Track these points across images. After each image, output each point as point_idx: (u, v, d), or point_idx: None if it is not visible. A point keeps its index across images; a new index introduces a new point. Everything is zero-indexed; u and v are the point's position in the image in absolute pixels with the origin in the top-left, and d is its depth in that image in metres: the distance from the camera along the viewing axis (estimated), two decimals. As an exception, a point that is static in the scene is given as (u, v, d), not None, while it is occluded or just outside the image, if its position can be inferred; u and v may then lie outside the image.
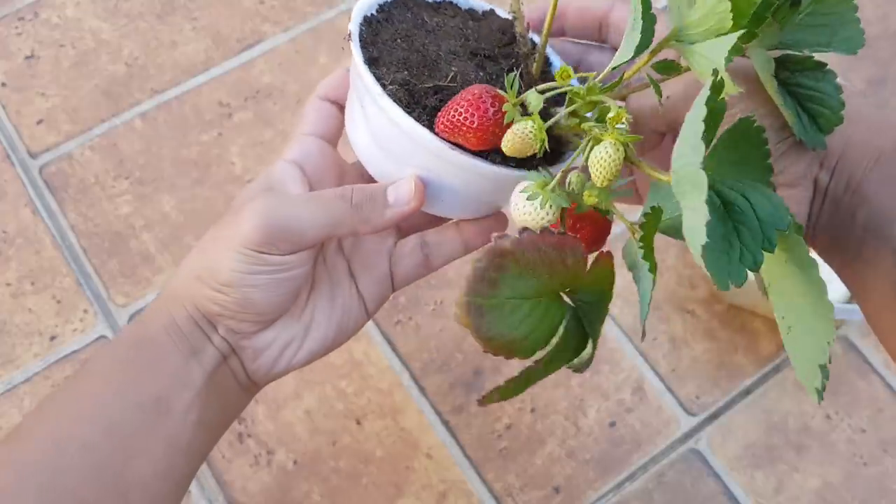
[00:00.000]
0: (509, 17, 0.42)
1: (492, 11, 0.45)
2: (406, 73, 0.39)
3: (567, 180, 0.35)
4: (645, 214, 0.33)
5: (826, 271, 0.64)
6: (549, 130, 0.36)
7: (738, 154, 0.32)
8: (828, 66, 0.39)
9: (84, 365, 0.41)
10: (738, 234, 0.32)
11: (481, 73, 0.40)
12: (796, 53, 0.37)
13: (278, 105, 0.78)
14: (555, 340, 0.36)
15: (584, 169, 0.34)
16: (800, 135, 0.35)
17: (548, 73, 0.43)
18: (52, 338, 0.68)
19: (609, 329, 0.70)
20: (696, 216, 0.29)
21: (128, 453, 0.38)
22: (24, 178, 0.74)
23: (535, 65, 0.40)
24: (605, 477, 0.65)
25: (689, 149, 0.29)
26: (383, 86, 0.38)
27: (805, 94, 0.37)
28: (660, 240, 0.68)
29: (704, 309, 0.71)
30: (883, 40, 0.83)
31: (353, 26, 0.40)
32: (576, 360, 0.38)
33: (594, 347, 0.37)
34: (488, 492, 0.64)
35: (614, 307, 0.70)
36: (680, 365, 0.69)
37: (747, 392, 0.68)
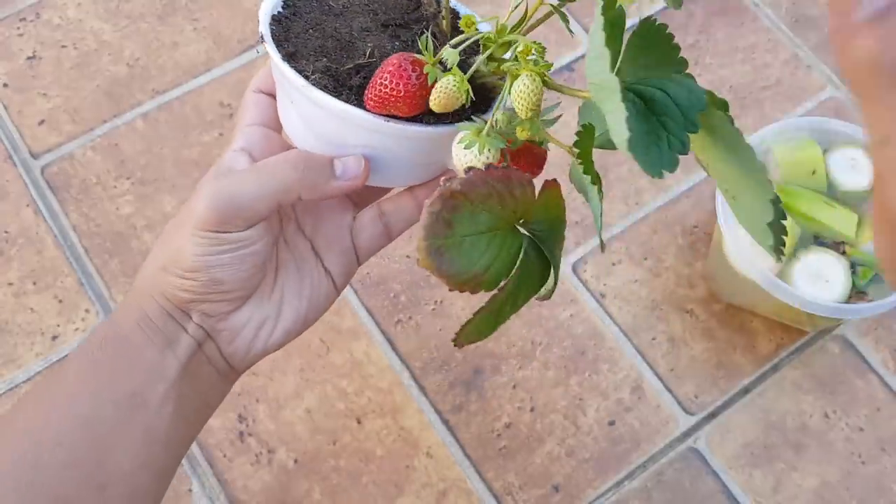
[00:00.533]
0: None
1: None
2: (325, 59, 0.40)
3: (494, 120, 0.35)
4: (577, 133, 0.34)
5: (827, 268, 0.64)
6: (473, 80, 0.36)
7: (650, 55, 0.34)
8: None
9: (59, 365, 0.40)
10: (662, 125, 0.33)
11: (397, 43, 0.41)
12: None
13: (279, 106, 0.78)
14: (515, 269, 0.37)
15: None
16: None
17: (459, 27, 0.42)
18: (54, 337, 0.68)
19: (608, 328, 0.70)
20: (616, 117, 0.30)
21: (104, 448, 0.38)
22: (25, 178, 0.74)
23: (444, 21, 0.41)
24: (605, 476, 0.65)
25: (596, 59, 0.31)
26: (306, 77, 0.39)
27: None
28: (659, 240, 0.69)
29: (703, 308, 0.71)
30: (881, 41, 0.83)
31: (263, 28, 0.41)
32: (542, 290, 0.39)
33: (556, 275, 0.38)
34: (488, 490, 0.64)
35: (612, 307, 0.71)
36: (678, 364, 0.69)
37: (746, 391, 0.68)
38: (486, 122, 0.36)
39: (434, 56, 0.36)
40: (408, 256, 0.72)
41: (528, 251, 0.37)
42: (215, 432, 0.65)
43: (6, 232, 0.72)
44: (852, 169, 0.67)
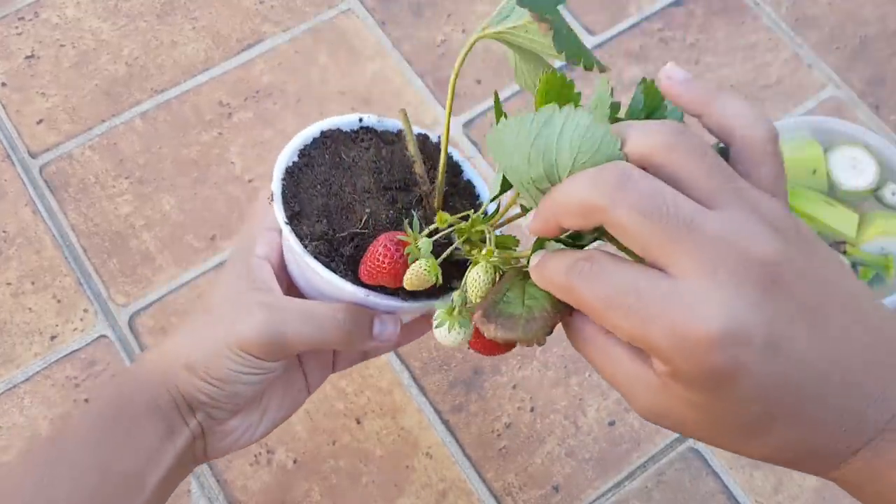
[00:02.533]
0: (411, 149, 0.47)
1: (400, 131, 0.49)
2: (325, 221, 0.44)
3: (463, 301, 0.38)
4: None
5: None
6: (452, 258, 0.40)
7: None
8: None
9: (66, 423, 0.43)
10: None
11: (391, 211, 0.45)
12: None
13: (278, 105, 0.78)
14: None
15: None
16: None
17: (455, 199, 0.47)
18: (53, 337, 0.68)
19: (608, 328, 0.70)
20: None
21: None
22: (24, 177, 0.74)
23: (434, 201, 0.45)
24: (605, 476, 0.65)
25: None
26: (305, 246, 0.43)
27: None
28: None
29: (703, 308, 0.71)
30: (881, 40, 0.83)
31: (276, 185, 0.45)
32: None
33: None
34: (488, 490, 0.64)
35: (613, 306, 0.70)
36: (679, 364, 0.69)
37: (746, 391, 0.68)
38: (455, 302, 0.39)
39: (419, 235, 0.40)
40: (407, 256, 0.72)
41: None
42: (214, 432, 0.65)
43: (4, 231, 0.72)
44: (853, 168, 0.67)
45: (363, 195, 0.45)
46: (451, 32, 0.82)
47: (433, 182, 0.46)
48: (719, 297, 0.28)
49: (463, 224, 0.40)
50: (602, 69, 0.38)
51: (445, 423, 0.66)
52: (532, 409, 0.67)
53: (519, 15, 0.38)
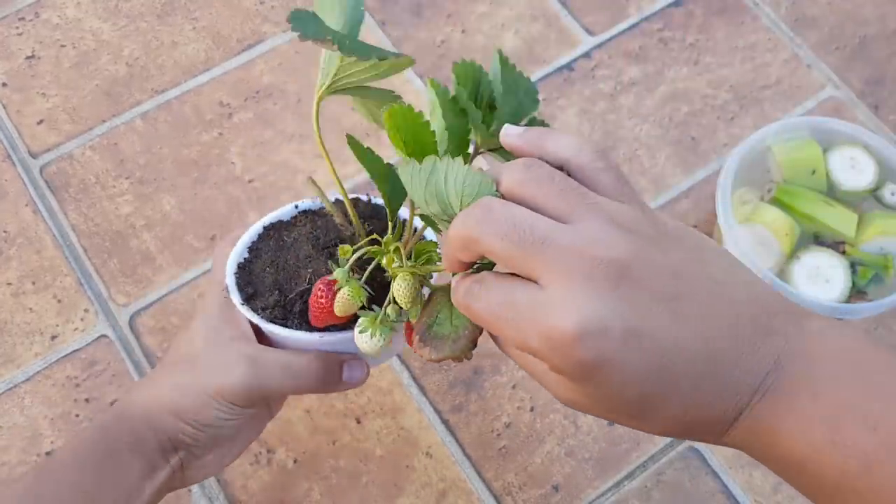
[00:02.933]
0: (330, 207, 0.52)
1: (336, 201, 0.54)
2: (277, 292, 0.50)
3: (385, 311, 0.44)
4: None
5: (827, 268, 0.64)
6: (381, 278, 0.46)
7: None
8: None
9: (51, 459, 0.45)
10: None
11: (330, 263, 0.49)
12: None
13: (278, 105, 0.78)
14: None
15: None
16: None
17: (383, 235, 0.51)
18: (53, 337, 0.68)
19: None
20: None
21: None
22: (24, 177, 0.74)
23: (360, 239, 0.49)
24: (604, 475, 0.65)
25: None
26: (262, 317, 0.48)
27: None
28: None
29: (703, 308, 0.71)
30: (881, 40, 0.83)
31: (229, 280, 0.50)
32: None
33: None
34: (488, 490, 0.64)
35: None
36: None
37: (746, 391, 0.68)
38: (380, 312, 0.44)
39: (343, 270, 0.45)
40: (407, 256, 0.72)
41: None
42: (215, 432, 0.65)
43: (5, 231, 0.72)
44: (852, 168, 0.67)
45: (305, 261, 0.51)
46: (450, 33, 0.82)
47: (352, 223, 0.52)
48: (575, 298, 0.31)
49: (377, 248, 0.45)
50: (402, 64, 0.42)
51: (445, 422, 0.66)
52: (532, 409, 0.67)
53: (335, 65, 0.44)
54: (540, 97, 0.79)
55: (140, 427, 0.46)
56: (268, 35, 0.81)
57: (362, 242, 0.46)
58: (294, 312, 0.49)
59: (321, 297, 0.45)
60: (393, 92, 0.46)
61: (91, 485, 0.44)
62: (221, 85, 0.79)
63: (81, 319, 0.69)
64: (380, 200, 0.53)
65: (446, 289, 0.42)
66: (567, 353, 0.31)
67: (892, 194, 0.66)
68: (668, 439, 0.66)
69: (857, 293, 0.63)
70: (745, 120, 0.79)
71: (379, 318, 0.44)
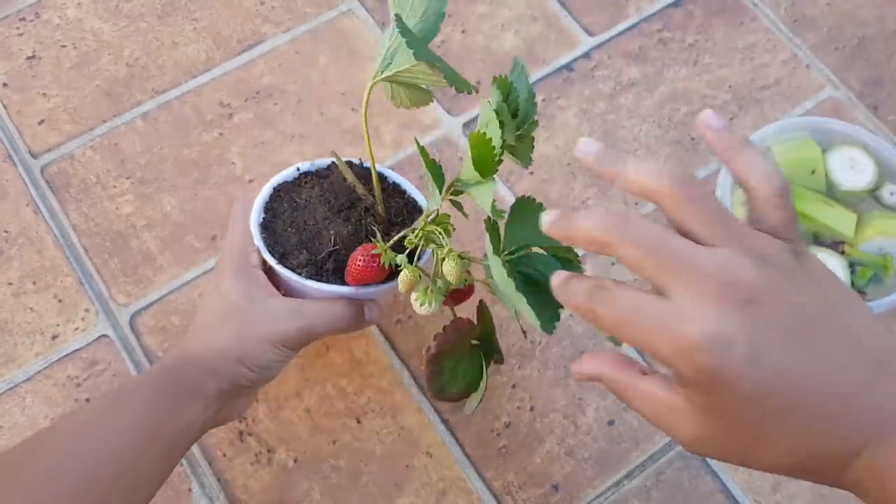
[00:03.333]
0: (346, 164, 0.60)
1: (331, 164, 0.61)
2: (305, 251, 0.57)
3: (435, 282, 0.54)
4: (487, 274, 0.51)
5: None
6: (402, 244, 0.55)
7: (525, 228, 0.51)
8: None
9: (127, 387, 0.52)
10: (545, 295, 0.47)
11: (349, 226, 0.58)
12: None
13: (279, 105, 0.78)
14: (484, 378, 0.61)
15: (436, 273, 0.55)
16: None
17: (391, 206, 0.60)
18: (54, 337, 0.68)
19: (607, 328, 0.70)
20: (520, 304, 0.46)
21: (140, 466, 0.49)
22: (25, 177, 0.74)
23: (379, 208, 0.58)
24: (604, 475, 0.65)
25: (490, 256, 0.48)
26: (301, 274, 0.56)
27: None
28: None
29: (702, 308, 0.71)
30: (880, 41, 0.84)
31: (258, 240, 0.57)
32: (474, 403, 0.63)
33: (485, 387, 0.62)
34: (487, 490, 0.64)
35: (613, 306, 0.71)
36: (678, 364, 0.69)
37: (745, 391, 0.68)
38: (432, 284, 0.54)
39: (383, 243, 0.54)
40: (407, 256, 0.72)
41: (483, 356, 0.61)
42: (215, 432, 0.65)
43: (6, 231, 0.72)
44: (851, 168, 0.67)
45: (324, 222, 0.58)
46: (451, 33, 0.82)
47: (372, 195, 0.59)
48: (703, 311, 0.34)
49: (412, 232, 0.54)
50: (470, 91, 0.50)
51: (445, 422, 0.67)
52: (531, 409, 0.67)
53: (403, 61, 0.51)
54: (540, 97, 0.79)
55: (202, 373, 0.52)
56: (268, 35, 0.82)
57: (405, 232, 0.55)
58: (327, 270, 0.57)
59: (361, 263, 0.54)
60: (430, 92, 0.55)
61: (157, 417, 0.50)
62: (222, 85, 0.79)
63: (82, 319, 0.69)
64: (367, 164, 0.61)
65: (448, 353, 0.57)
66: (692, 356, 0.33)
67: (891, 194, 0.66)
68: (668, 438, 0.66)
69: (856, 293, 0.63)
70: (744, 120, 0.79)
71: (430, 290, 0.54)
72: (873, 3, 0.85)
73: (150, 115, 0.77)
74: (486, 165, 0.48)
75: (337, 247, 0.57)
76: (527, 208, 0.52)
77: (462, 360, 0.59)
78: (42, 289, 0.70)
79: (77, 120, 0.77)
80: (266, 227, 0.58)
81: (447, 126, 0.78)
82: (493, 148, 0.47)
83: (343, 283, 0.56)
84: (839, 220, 0.65)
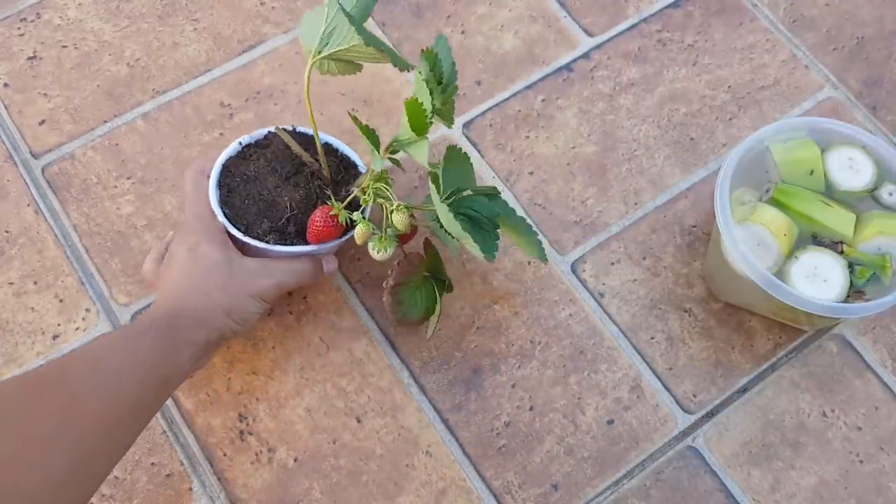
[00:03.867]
0: (282, 131, 0.66)
1: (269, 133, 0.67)
2: (266, 220, 0.63)
3: (386, 231, 0.62)
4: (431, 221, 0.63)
5: (825, 268, 0.64)
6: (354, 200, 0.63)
7: (456, 173, 0.60)
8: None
9: (134, 327, 0.57)
10: (483, 229, 0.61)
11: (300, 191, 0.64)
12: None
13: (279, 106, 0.78)
14: (438, 303, 0.68)
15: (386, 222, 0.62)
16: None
17: (330, 165, 0.66)
18: (55, 336, 0.68)
19: (607, 327, 0.70)
20: (465, 237, 0.57)
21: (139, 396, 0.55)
22: (26, 178, 0.75)
23: (324, 171, 0.65)
24: (603, 474, 0.65)
25: (437, 205, 0.57)
26: (267, 242, 0.62)
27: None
28: (657, 239, 0.70)
29: (701, 308, 0.71)
30: (878, 41, 0.84)
31: (222, 219, 0.63)
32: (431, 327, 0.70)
33: (439, 310, 0.68)
34: (487, 489, 0.65)
35: (611, 306, 0.71)
36: (677, 363, 0.69)
37: (744, 390, 0.68)
38: (383, 233, 0.62)
39: (339, 204, 0.62)
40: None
41: (435, 285, 0.68)
42: (216, 431, 0.66)
43: (7, 231, 0.72)
44: (850, 169, 0.67)
45: (276, 190, 0.64)
46: (450, 34, 0.82)
47: (316, 160, 0.65)
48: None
49: (363, 192, 0.62)
50: (408, 68, 0.58)
51: (445, 421, 0.67)
52: (531, 408, 0.67)
53: (339, 41, 0.58)
54: (539, 98, 0.79)
55: (194, 324, 0.58)
56: (268, 36, 0.82)
57: (358, 190, 0.62)
58: (289, 233, 0.63)
59: (320, 223, 0.62)
60: (360, 66, 0.61)
61: (158, 359, 0.55)
62: (222, 85, 0.79)
63: (83, 319, 0.69)
64: (301, 128, 0.68)
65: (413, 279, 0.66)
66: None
67: (890, 194, 0.67)
68: (667, 438, 0.67)
69: (855, 293, 0.63)
70: (743, 120, 0.79)
71: (384, 238, 0.62)
72: (872, 3, 0.86)
73: (151, 116, 0.78)
74: (420, 126, 0.56)
75: (294, 212, 0.63)
76: (455, 157, 0.60)
77: (418, 289, 0.66)
78: (43, 288, 0.70)
79: (78, 120, 0.77)
80: (225, 202, 0.64)
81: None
82: (425, 111, 0.56)
83: (305, 242, 0.63)
84: (838, 221, 0.65)
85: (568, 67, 0.81)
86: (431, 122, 0.57)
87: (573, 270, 0.72)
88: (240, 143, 0.66)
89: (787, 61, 0.82)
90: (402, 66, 0.58)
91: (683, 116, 0.79)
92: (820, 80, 0.81)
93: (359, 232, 0.62)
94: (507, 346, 0.69)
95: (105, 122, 0.77)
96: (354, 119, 0.59)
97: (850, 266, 0.64)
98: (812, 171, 0.67)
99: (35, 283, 0.70)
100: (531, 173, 0.76)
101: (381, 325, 0.70)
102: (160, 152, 0.76)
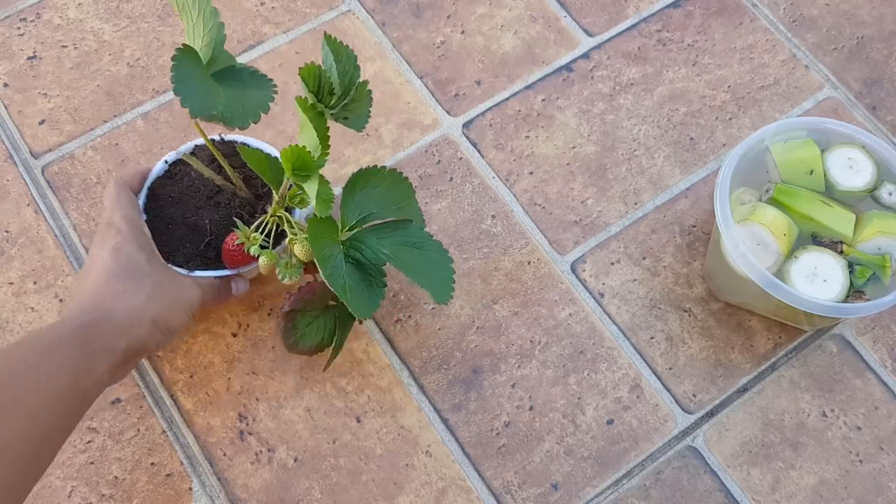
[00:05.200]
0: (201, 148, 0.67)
1: (195, 147, 0.67)
2: (188, 244, 0.63)
3: (291, 259, 0.61)
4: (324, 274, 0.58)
5: (825, 267, 0.64)
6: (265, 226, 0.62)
7: (365, 197, 0.62)
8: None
9: (47, 333, 0.52)
10: (371, 276, 0.60)
11: (220, 212, 0.64)
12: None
13: (279, 106, 0.78)
14: (337, 330, 0.64)
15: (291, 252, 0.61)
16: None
17: (258, 178, 0.65)
18: (55, 336, 0.68)
19: (606, 327, 0.70)
20: (336, 276, 0.57)
21: (56, 410, 0.51)
22: (26, 177, 0.75)
23: (242, 193, 0.65)
24: (603, 474, 0.65)
25: (318, 254, 0.57)
26: (191, 269, 0.62)
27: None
28: (657, 239, 0.70)
29: (701, 307, 0.71)
30: (878, 41, 0.84)
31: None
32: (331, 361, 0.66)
33: (340, 345, 0.65)
34: (487, 489, 0.65)
35: (611, 306, 0.71)
36: (677, 363, 0.69)
37: (743, 390, 0.68)
38: (289, 259, 0.60)
39: (246, 230, 0.61)
40: (407, 256, 0.72)
41: (338, 316, 0.64)
42: (215, 431, 0.66)
43: (7, 231, 0.72)
44: (850, 168, 0.67)
45: (198, 212, 0.64)
46: (450, 34, 0.82)
47: (231, 182, 0.64)
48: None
49: (266, 216, 0.61)
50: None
51: (445, 421, 0.67)
52: (531, 408, 0.67)
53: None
54: (539, 98, 0.79)
55: (115, 331, 0.55)
56: (268, 36, 0.82)
57: (263, 217, 0.62)
58: (210, 258, 0.64)
59: (231, 249, 0.62)
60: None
61: (78, 372, 0.52)
62: (222, 85, 0.79)
63: (83, 319, 0.69)
64: (231, 137, 0.68)
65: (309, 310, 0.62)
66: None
67: (890, 194, 0.67)
68: (667, 438, 0.67)
69: (854, 293, 0.63)
70: (743, 120, 0.79)
71: (288, 265, 0.60)
72: (872, 3, 0.86)
73: (151, 115, 0.78)
74: (306, 169, 0.54)
75: (213, 235, 0.64)
76: (369, 178, 0.59)
77: (316, 318, 0.63)
78: (43, 288, 0.70)
79: (78, 120, 0.77)
80: (150, 227, 0.63)
81: (447, 126, 0.78)
82: (310, 154, 0.53)
83: (221, 266, 0.63)
84: (838, 220, 0.65)
85: (568, 67, 0.81)
86: (322, 164, 0.54)
87: (573, 270, 0.72)
88: (166, 162, 0.66)
89: (787, 61, 0.82)
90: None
91: (683, 116, 0.79)
92: (820, 80, 0.81)
93: (262, 263, 0.60)
94: (507, 346, 0.69)
95: (105, 121, 0.77)
96: (212, 146, 0.61)
97: (850, 266, 0.64)
98: (812, 171, 0.67)
99: (35, 282, 0.70)
100: (531, 173, 0.76)
101: (381, 324, 0.70)
102: (160, 152, 0.76)
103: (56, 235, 0.72)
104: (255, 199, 0.65)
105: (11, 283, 0.70)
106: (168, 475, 0.64)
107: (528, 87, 0.80)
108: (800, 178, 0.67)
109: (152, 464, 0.65)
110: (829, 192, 0.67)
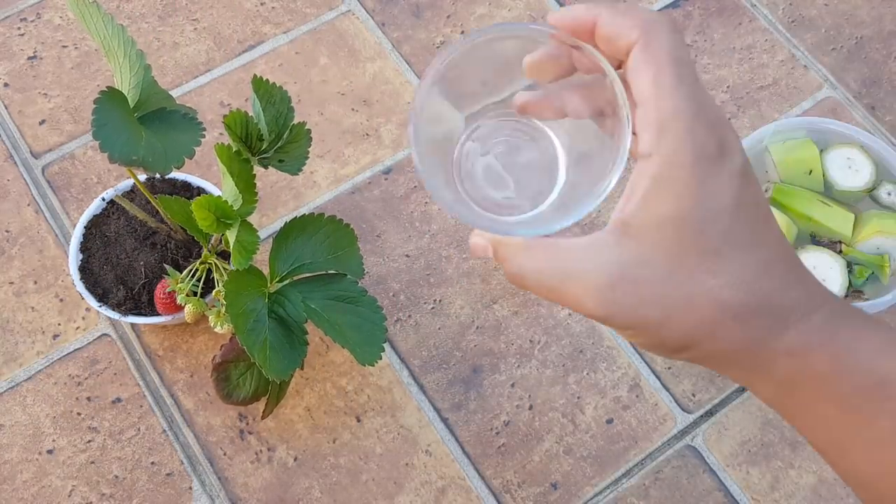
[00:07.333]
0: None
1: (134, 186, 0.66)
2: (122, 287, 0.63)
3: (221, 307, 0.59)
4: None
5: (824, 267, 0.64)
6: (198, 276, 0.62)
7: (299, 246, 0.59)
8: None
9: None
10: (293, 334, 0.56)
11: (155, 254, 0.64)
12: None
13: (279, 105, 0.79)
14: (272, 385, 0.62)
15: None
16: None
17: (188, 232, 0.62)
18: (55, 336, 0.68)
19: (606, 328, 0.70)
20: (256, 333, 0.54)
21: None
22: (26, 177, 0.75)
23: (178, 234, 0.64)
24: (603, 473, 0.65)
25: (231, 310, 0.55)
26: (123, 314, 0.62)
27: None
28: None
29: (701, 307, 0.71)
30: (877, 42, 0.84)
31: (80, 288, 0.63)
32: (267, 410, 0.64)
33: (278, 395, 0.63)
34: (487, 488, 0.65)
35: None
36: (676, 362, 0.69)
37: (743, 389, 0.69)
38: (221, 308, 0.59)
39: (177, 276, 0.60)
40: (407, 255, 0.72)
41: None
42: (216, 430, 0.66)
43: (7, 231, 0.72)
44: (849, 168, 0.68)
45: (134, 254, 0.64)
46: (450, 34, 0.83)
47: (165, 223, 0.64)
48: None
49: (198, 263, 0.61)
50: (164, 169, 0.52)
51: (445, 421, 0.67)
52: (531, 407, 0.67)
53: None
54: (539, 98, 0.80)
55: None
56: (268, 36, 0.82)
57: (193, 266, 0.61)
58: (143, 302, 0.63)
59: (165, 299, 0.62)
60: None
61: None
62: (222, 85, 0.79)
63: (83, 318, 0.69)
64: (173, 175, 0.66)
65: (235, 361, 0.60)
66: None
67: (889, 194, 0.67)
68: (667, 437, 0.67)
69: (853, 292, 0.63)
70: (742, 120, 0.79)
71: (221, 313, 0.60)
72: (871, 3, 0.86)
73: (151, 116, 0.78)
74: (228, 218, 0.53)
75: (147, 279, 0.64)
76: (305, 226, 0.57)
77: (250, 368, 0.60)
78: (43, 288, 0.70)
79: (78, 120, 0.77)
80: (84, 269, 0.64)
81: (447, 126, 0.78)
82: (227, 204, 0.52)
83: (154, 311, 0.63)
84: (837, 220, 0.65)
85: (567, 67, 0.81)
86: (251, 203, 0.53)
87: (572, 270, 0.72)
88: (102, 199, 0.66)
89: (786, 61, 0.82)
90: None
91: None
92: (819, 80, 0.82)
93: (188, 311, 0.60)
94: (507, 346, 0.69)
95: (105, 121, 0.77)
96: (141, 186, 0.59)
97: (849, 265, 0.64)
98: (811, 171, 0.67)
99: (35, 282, 0.70)
100: (530, 173, 0.76)
101: (381, 324, 0.70)
102: (160, 152, 0.76)
103: (56, 235, 0.72)
104: (192, 242, 0.64)
105: (12, 283, 0.70)
106: (168, 474, 0.64)
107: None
108: (799, 177, 0.67)
109: (152, 463, 0.65)
110: (828, 191, 0.67)
